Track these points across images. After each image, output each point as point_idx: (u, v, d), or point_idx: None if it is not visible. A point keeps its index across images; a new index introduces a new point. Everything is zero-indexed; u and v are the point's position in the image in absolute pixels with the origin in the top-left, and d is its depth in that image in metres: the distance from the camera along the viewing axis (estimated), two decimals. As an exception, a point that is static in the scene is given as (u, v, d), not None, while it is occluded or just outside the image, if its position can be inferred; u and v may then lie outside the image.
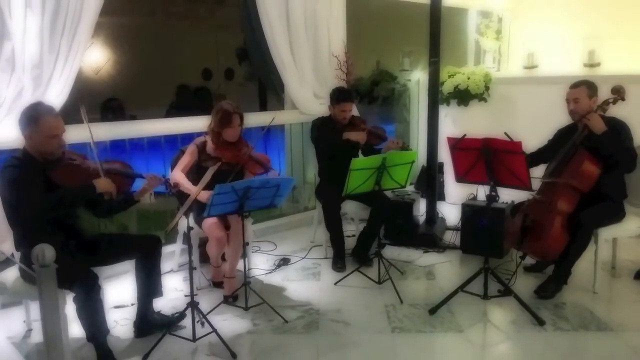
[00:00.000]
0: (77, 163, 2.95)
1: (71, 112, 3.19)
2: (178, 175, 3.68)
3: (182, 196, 3.25)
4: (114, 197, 2.90)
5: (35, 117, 2.78)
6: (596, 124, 3.46)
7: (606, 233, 3.66)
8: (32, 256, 1.87)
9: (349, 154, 4.00)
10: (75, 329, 2.92)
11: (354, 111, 4.55)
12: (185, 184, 3.62)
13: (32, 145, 2.82)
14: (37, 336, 3.20)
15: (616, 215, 3.69)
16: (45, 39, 3.45)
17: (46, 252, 1.84)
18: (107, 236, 3.28)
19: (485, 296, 3.47)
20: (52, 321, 1.86)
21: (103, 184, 2.86)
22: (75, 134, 3.23)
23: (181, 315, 3.30)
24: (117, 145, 4.26)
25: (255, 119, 4.83)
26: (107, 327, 2.88)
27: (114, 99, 6.53)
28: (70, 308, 2.75)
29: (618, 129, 3.51)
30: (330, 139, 4.27)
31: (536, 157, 3.86)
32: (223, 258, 3.82)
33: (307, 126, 5.34)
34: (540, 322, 3.28)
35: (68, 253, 2.72)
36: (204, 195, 3.32)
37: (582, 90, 3.62)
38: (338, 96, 4.34)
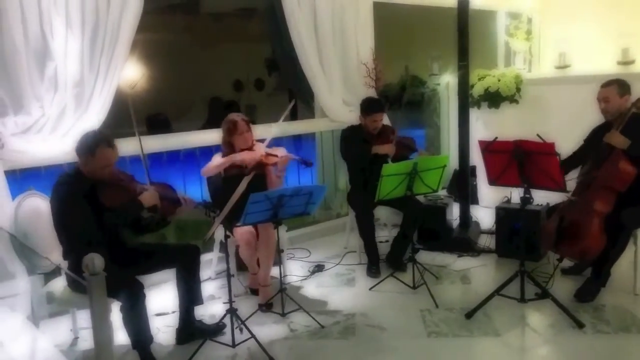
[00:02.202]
0: (125, 184, 3.07)
1: (116, 126, 3.31)
2: (210, 164, 3.83)
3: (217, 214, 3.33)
4: (158, 209, 3.00)
5: (92, 147, 2.91)
6: (618, 141, 3.42)
7: (646, 233, 3.60)
8: (82, 265, 1.96)
9: (380, 161, 4.03)
10: (120, 336, 3.02)
11: (385, 119, 4.57)
12: (223, 160, 3.79)
13: (85, 169, 2.95)
14: (84, 344, 3.32)
15: (655, 215, 3.63)
16: (86, 59, 3.60)
17: (96, 261, 1.92)
18: (148, 246, 3.37)
19: (522, 299, 3.45)
20: (101, 329, 1.94)
21: (148, 199, 2.98)
22: (121, 148, 3.33)
23: (222, 325, 3.36)
24: (154, 158, 4.38)
25: (285, 128, 4.92)
26: (151, 335, 2.98)
27: (160, 113, 6.70)
28: (115, 316, 2.85)
29: None
30: (359, 155, 4.30)
31: (572, 161, 3.79)
32: (258, 264, 3.89)
33: (337, 133, 5.38)
34: (580, 325, 3.24)
35: (113, 262, 2.82)
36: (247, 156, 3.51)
37: (613, 89, 3.58)
38: (369, 107, 4.38)
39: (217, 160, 3.87)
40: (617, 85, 3.59)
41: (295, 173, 5.15)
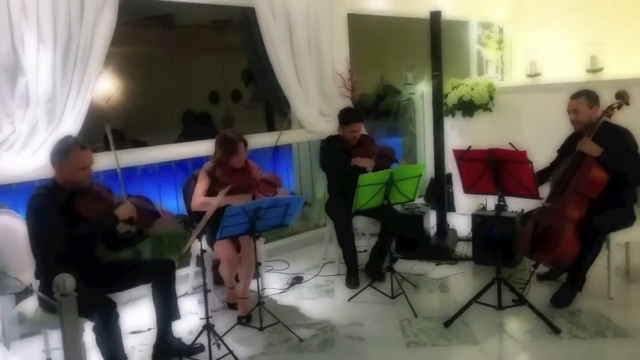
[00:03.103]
0: (103, 195, 3.03)
1: (89, 140, 3.26)
2: (198, 199, 3.69)
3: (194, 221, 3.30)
4: (135, 222, 2.96)
5: (66, 150, 2.90)
6: (590, 149, 3.48)
7: (618, 238, 3.66)
8: (53, 285, 1.92)
9: (358, 170, 4.04)
10: (93, 357, 2.95)
11: (362, 129, 4.59)
12: (207, 201, 3.62)
13: (61, 176, 2.93)
14: (57, 365, 3.25)
15: (628, 219, 3.69)
16: (58, 73, 3.54)
17: (67, 281, 1.89)
18: (122, 262, 3.32)
19: (499, 306, 3.48)
20: (73, 350, 1.90)
21: (123, 211, 2.94)
22: (96, 161, 3.28)
23: (201, 346, 3.29)
24: (129, 171, 4.32)
25: (262, 140, 4.91)
26: (125, 355, 2.92)
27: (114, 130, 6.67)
28: (88, 336, 2.79)
29: (621, 138, 3.53)
30: (339, 167, 4.30)
31: (548, 172, 3.83)
32: (237, 279, 3.86)
33: (314, 144, 5.40)
34: (556, 331, 3.27)
35: (86, 281, 2.77)
36: (231, 200, 3.35)
37: (582, 100, 3.65)
38: (347, 117, 4.39)
39: (203, 192, 3.71)
40: (585, 97, 3.65)
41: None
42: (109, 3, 3.71)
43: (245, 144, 3.82)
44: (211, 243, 3.68)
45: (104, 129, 3.06)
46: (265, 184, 3.85)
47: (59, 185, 2.92)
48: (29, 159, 3.47)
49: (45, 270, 2.84)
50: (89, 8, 3.62)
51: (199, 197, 3.71)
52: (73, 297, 1.91)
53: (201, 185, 3.76)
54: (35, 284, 2.92)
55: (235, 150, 3.76)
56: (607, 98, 3.65)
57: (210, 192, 3.73)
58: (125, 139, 6.80)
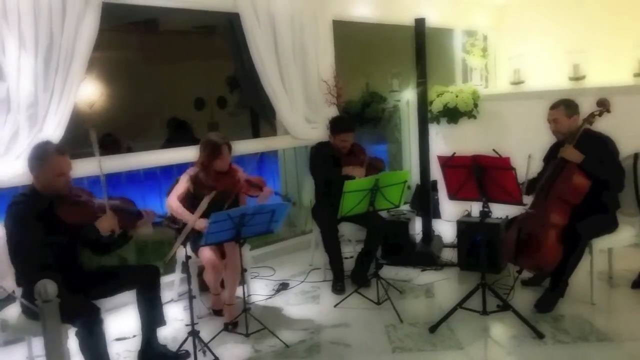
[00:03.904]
0: (83, 200, 2.99)
1: (73, 146, 3.23)
2: (173, 202, 3.70)
3: (180, 227, 3.28)
4: (115, 234, 2.93)
5: (43, 156, 2.86)
6: (572, 156, 3.52)
7: (601, 243, 3.70)
8: (35, 292, 1.90)
9: (346, 177, 4.04)
10: (78, 364, 2.93)
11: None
12: (180, 211, 3.65)
13: (40, 183, 2.88)
14: (39, 373, 3.21)
15: (610, 225, 3.74)
16: (40, 78, 3.51)
17: (48, 287, 1.87)
18: (106, 268, 3.29)
19: (484, 312, 3.49)
20: (55, 356, 1.88)
21: (105, 224, 2.88)
22: (79, 168, 3.26)
23: (186, 353, 3.27)
24: (113, 178, 4.29)
25: (247, 146, 4.90)
26: (109, 360, 2.89)
27: (109, 134, 6.60)
28: (72, 342, 2.76)
29: (603, 145, 3.58)
30: (329, 175, 4.29)
31: (536, 182, 3.85)
32: (222, 285, 3.84)
33: (299, 151, 5.40)
34: (540, 336, 3.29)
35: (69, 287, 2.74)
36: (201, 224, 3.36)
37: (560, 110, 3.70)
38: (338, 127, 4.38)
39: (177, 204, 3.68)
40: (564, 107, 3.70)
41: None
42: (91, 8, 3.69)
43: (230, 147, 3.82)
44: (195, 250, 3.67)
45: (89, 134, 3.02)
46: (250, 186, 3.85)
47: (37, 192, 2.88)
48: (11, 165, 3.42)
49: (27, 277, 2.80)
50: (70, 13, 3.60)
51: (174, 200, 3.71)
52: (55, 304, 1.88)
53: (179, 189, 3.76)
54: (18, 290, 2.88)
55: (219, 153, 3.76)
56: (589, 106, 3.69)
57: (195, 196, 3.71)
58: (120, 144, 6.75)
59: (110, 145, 6.35)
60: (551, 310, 3.62)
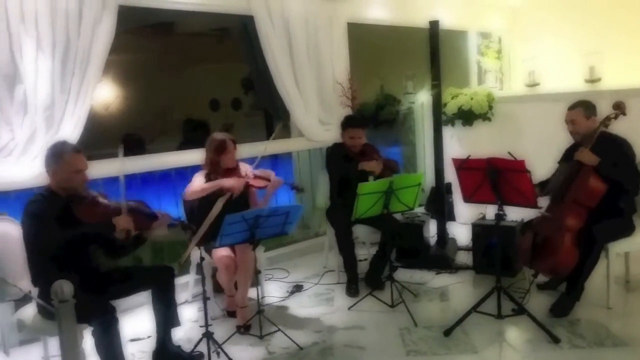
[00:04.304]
0: (99, 201, 3.02)
1: (89, 147, 3.26)
2: (192, 188, 3.73)
3: (194, 230, 3.29)
4: (130, 235, 2.95)
5: (59, 153, 2.90)
6: (589, 159, 3.49)
7: (617, 247, 3.66)
8: (51, 292, 1.92)
9: (361, 179, 4.04)
10: (93, 364, 2.95)
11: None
12: (204, 186, 3.70)
13: (56, 182, 2.92)
14: (55, 372, 3.24)
15: (627, 229, 3.69)
16: (57, 81, 3.56)
17: (64, 287, 1.89)
18: (121, 269, 3.31)
19: (499, 316, 3.47)
20: (71, 356, 1.89)
21: (122, 223, 2.89)
22: (95, 169, 3.29)
23: (200, 354, 3.29)
24: (129, 179, 4.32)
25: (261, 148, 4.90)
26: (124, 360, 2.91)
27: (131, 134, 6.67)
28: (88, 342, 2.78)
29: (619, 148, 3.54)
30: (345, 171, 4.29)
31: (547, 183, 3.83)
32: (236, 287, 3.85)
33: (313, 153, 5.41)
34: (556, 340, 3.26)
35: (85, 287, 2.76)
36: (230, 182, 3.52)
37: (579, 111, 3.67)
38: (346, 123, 4.41)
39: (201, 183, 3.75)
40: (582, 108, 3.67)
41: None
42: (107, 11, 3.74)
43: (234, 142, 3.89)
44: (208, 250, 3.68)
45: (117, 143, 3.08)
46: (257, 178, 3.87)
47: (54, 192, 2.91)
48: (28, 166, 3.47)
49: (43, 277, 2.83)
50: (87, 16, 3.65)
51: (193, 187, 3.75)
52: (71, 304, 1.90)
53: (196, 182, 3.80)
54: (34, 290, 2.91)
55: (224, 149, 3.82)
56: (605, 108, 3.65)
57: (207, 198, 3.71)
58: (143, 144, 6.80)
59: (134, 145, 6.40)
60: (567, 315, 3.58)
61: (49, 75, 3.51)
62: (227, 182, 3.67)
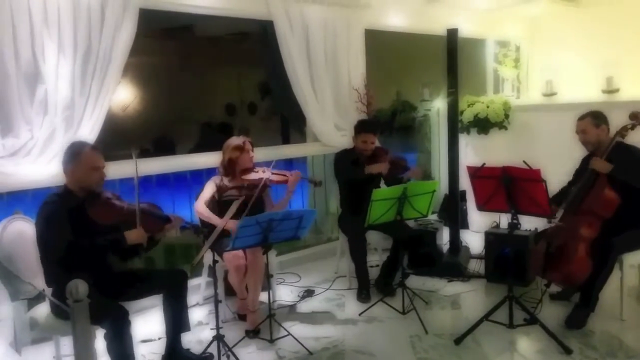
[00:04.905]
0: (113, 202, 3.05)
1: (107, 149, 3.31)
2: (200, 207, 3.82)
3: (207, 233, 3.33)
4: (143, 249, 2.97)
5: (77, 151, 2.95)
6: (602, 167, 3.47)
7: (631, 259, 3.63)
8: (66, 291, 1.94)
9: (371, 184, 4.05)
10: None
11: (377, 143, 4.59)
12: (207, 214, 3.78)
13: (74, 180, 2.95)
14: (67, 371, 3.27)
15: (641, 241, 3.66)
16: (77, 82, 3.62)
17: (80, 287, 1.91)
18: (135, 271, 3.34)
19: (511, 325, 3.45)
20: (84, 356, 1.92)
21: (134, 237, 2.92)
22: (112, 170, 3.31)
23: (209, 355, 3.31)
24: (144, 180, 4.36)
25: (277, 152, 4.93)
26: (136, 363, 2.93)
27: (165, 136, 6.77)
28: (99, 343, 2.81)
29: (635, 157, 3.51)
30: (353, 175, 4.31)
31: (564, 193, 3.81)
32: (247, 289, 3.87)
33: (329, 158, 5.42)
34: (568, 351, 3.24)
35: (98, 289, 2.79)
36: (231, 225, 3.42)
37: (588, 121, 3.67)
38: (359, 127, 4.44)
39: (204, 208, 3.82)
40: (591, 117, 3.67)
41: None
42: (128, 14, 3.79)
43: (251, 144, 3.99)
44: (220, 253, 3.71)
45: (132, 146, 3.13)
46: (274, 174, 3.92)
47: (70, 191, 2.95)
48: (46, 166, 3.53)
49: (56, 278, 2.87)
50: (109, 19, 3.70)
51: (201, 205, 3.84)
52: (85, 304, 1.92)
53: (205, 195, 3.88)
54: (48, 290, 2.94)
55: (243, 148, 3.91)
56: (622, 119, 3.63)
57: (220, 201, 3.86)
58: (174, 145, 6.88)
59: (165, 147, 6.48)
60: (583, 327, 3.54)
61: (69, 76, 3.57)
62: (229, 224, 3.50)
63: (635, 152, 3.55)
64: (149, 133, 7.17)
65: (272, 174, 3.91)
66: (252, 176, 3.89)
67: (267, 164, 4.06)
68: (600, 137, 3.63)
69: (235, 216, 3.44)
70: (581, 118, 3.73)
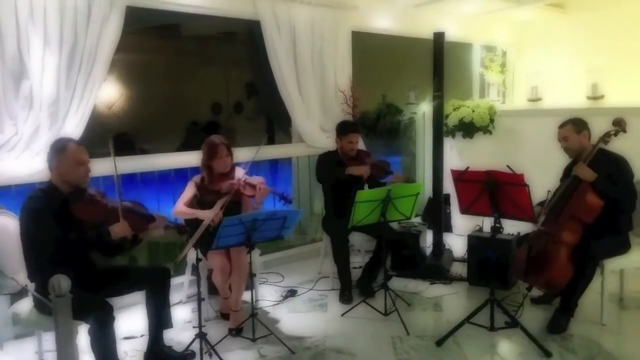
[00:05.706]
0: (97, 199, 3.04)
1: (90, 146, 3.28)
2: (180, 207, 3.78)
3: (190, 233, 3.31)
4: (127, 240, 2.97)
5: (62, 146, 2.94)
6: (585, 174, 3.52)
7: (613, 264, 3.67)
8: (49, 286, 1.93)
9: (354, 186, 4.06)
10: (86, 360, 2.96)
11: (361, 145, 4.62)
12: (188, 211, 3.74)
13: (59, 175, 2.94)
14: (48, 367, 3.24)
15: (623, 247, 3.71)
16: (62, 78, 3.59)
17: (62, 282, 1.90)
18: (118, 268, 3.33)
19: (492, 328, 3.48)
20: (66, 351, 1.91)
21: (119, 230, 2.93)
22: (96, 167, 3.30)
23: (191, 353, 3.31)
24: (128, 178, 4.34)
25: (261, 153, 4.92)
26: (118, 358, 2.91)
27: (123, 133, 6.71)
28: (82, 339, 2.79)
29: (616, 165, 3.56)
30: (334, 175, 4.33)
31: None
32: (231, 289, 3.86)
33: (314, 159, 5.42)
34: (547, 354, 3.27)
35: (81, 285, 2.77)
36: (212, 215, 3.43)
37: (569, 128, 3.71)
38: (344, 128, 4.45)
39: (189, 196, 3.82)
40: (572, 124, 3.72)
41: (271, 197, 5.14)
42: (115, 11, 3.77)
43: (228, 148, 3.88)
44: (204, 252, 3.70)
45: (107, 138, 3.09)
46: (247, 185, 3.87)
47: (55, 187, 2.93)
48: (30, 161, 3.50)
49: (39, 273, 2.85)
50: (95, 14, 3.68)
51: (180, 206, 3.79)
52: (68, 299, 1.91)
53: (185, 196, 3.84)
54: (31, 285, 2.92)
55: (216, 153, 3.82)
56: (606, 125, 3.67)
57: (200, 201, 3.81)
58: (134, 144, 6.84)
59: (124, 145, 6.44)
60: (564, 332, 3.58)
61: (55, 72, 3.55)
62: (202, 213, 3.61)
63: (617, 160, 3.60)
64: (134, 131, 7.11)
65: (245, 182, 3.86)
66: (224, 185, 3.80)
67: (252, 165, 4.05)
68: (582, 143, 3.68)
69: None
70: (562, 125, 3.77)
